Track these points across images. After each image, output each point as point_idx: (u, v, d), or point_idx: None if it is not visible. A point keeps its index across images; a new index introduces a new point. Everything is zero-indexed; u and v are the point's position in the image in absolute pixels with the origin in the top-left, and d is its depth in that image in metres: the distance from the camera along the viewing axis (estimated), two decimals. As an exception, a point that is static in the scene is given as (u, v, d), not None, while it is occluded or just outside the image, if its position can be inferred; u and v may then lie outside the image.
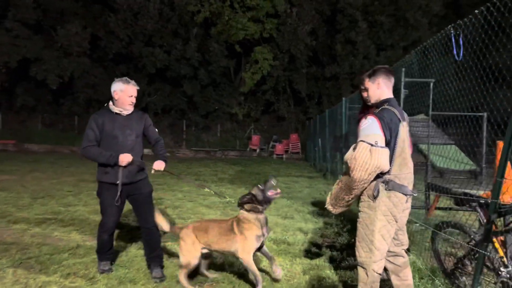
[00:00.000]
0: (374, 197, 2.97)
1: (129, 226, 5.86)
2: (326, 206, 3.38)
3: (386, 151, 2.86)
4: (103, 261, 3.98)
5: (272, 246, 5.00)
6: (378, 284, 3.06)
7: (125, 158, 3.71)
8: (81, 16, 27.67)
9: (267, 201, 3.60)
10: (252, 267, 3.47)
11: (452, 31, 3.35)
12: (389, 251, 3.11)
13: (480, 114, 6.03)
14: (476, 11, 3.23)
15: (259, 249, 3.63)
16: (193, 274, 3.94)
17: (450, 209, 5.75)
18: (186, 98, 28.71)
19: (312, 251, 4.89)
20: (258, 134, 27.42)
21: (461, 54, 3.30)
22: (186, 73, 27.60)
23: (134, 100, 3.89)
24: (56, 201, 7.68)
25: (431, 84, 6.36)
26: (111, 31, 27.19)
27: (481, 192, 3.94)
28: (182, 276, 3.63)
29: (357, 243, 3.12)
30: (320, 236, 5.66)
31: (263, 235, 3.57)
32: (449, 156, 6.22)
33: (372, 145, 2.82)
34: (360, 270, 3.10)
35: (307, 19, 25.32)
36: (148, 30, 27.02)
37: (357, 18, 23.02)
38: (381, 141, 2.84)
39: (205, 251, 3.73)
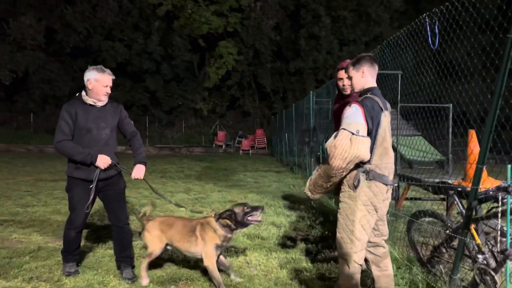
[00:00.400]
0: (355, 187, 2.91)
1: (94, 225, 5.58)
2: (304, 191, 3.34)
3: (367, 141, 2.81)
4: (69, 262, 3.71)
5: (246, 241, 4.89)
6: (359, 275, 3.02)
7: (103, 160, 3.48)
8: (35, 7, 26.35)
9: (243, 224, 3.55)
10: (215, 273, 3.44)
11: (427, 20, 3.34)
12: (369, 242, 3.07)
13: (446, 105, 6.18)
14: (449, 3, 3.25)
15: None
16: (171, 271, 3.78)
17: (419, 199, 5.86)
18: (149, 94, 28.03)
19: (287, 245, 4.81)
20: (223, 130, 27.19)
21: (437, 43, 3.29)
22: (148, 67, 26.94)
23: (109, 91, 3.62)
24: (13, 201, 7.23)
25: (399, 76, 6.45)
26: (68, 23, 26.09)
27: (452, 181, 4.00)
28: (144, 264, 3.61)
29: (337, 234, 3.05)
30: (293, 229, 5.61)
31: (221, 246, 3.56)
32: (416, 147, 6.33)
33: (353, 133, 2.77)
34: (341, 261, 3.05)
35: (271, 13, 25.31)
36: (108, 23, 26.14)
37: (321, 13, 23.23)
38: (363, 130, 2.79)
39: (169, 247, 3.73)
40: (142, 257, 3.79)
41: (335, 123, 4.33)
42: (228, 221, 3.49)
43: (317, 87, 17.93)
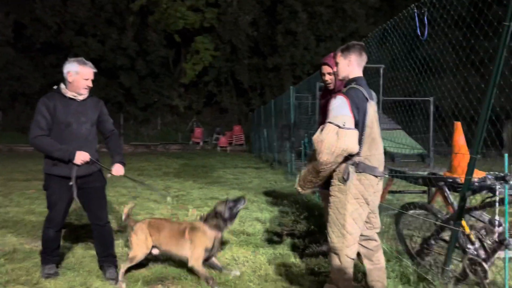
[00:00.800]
0: (345, 180, 2.85)
1: (72, 225, 5.35)
2: (295, 186, 3.32)
3: (354, 133, 2.74)
4: (48, 264, 3.51)
5: (232, 238, 4.79)
6: (352, 270, 2.97)
7: (82, 157, 3.31)
8: (3, 1, 25.33)
9: (232, 217, 3.54)
10: (201, 271, 3.42)
11: (416, 10, 3.31)
12: (361, 235, 3.02)
13: (427, 98, 6.23)
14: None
15: (207, 260, 3.57)
16: (156, 270, 3.64)
17: (402, 192, 5.90)
18: (123, 90, 27.45)
19: (273, 240, 4.74)
20: (200, 126, 26.93)
21: (426, 34, 3.26)
22: (123, 63, 26.35)
23: (90, 84, 3.46)
24: (-17, 202, 6.89)
25: (381, 70, 6.48)
26: (38, 18, 25.24)
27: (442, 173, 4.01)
28: (123, 268, 3.47)
29: (328, 228, 3.00)
30: (278, 225, 5.54)
31: (212, 249, 3.53)
32: (397, 140, 6.36)
33: (339, 126, 2.70)
34: (332, 255, 2.99)
35: (248, 9, 25.19)
36: (80, 18, 25.42)
37: (297, 9, 23.28)
38: (350, 122, 2.72)
39: (155, 251, 3.66)
40: (122, 262, 3.66)
41: (323, 118, 4.30)
42: (216, 222, 3.47)
43: (295, 83, 17.97)
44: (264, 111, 17.01)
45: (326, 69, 3.78)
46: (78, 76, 3.37)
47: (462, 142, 3.85)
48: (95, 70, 3.50)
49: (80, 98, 3.44)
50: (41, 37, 25.69)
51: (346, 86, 2.97)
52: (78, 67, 3.37)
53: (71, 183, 3.34)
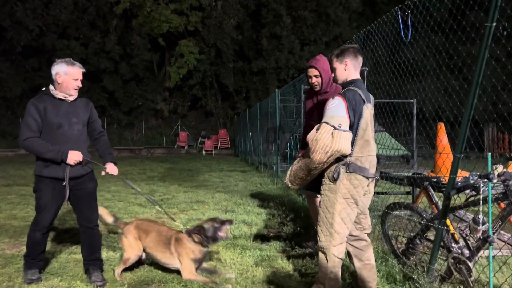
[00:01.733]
0: (335, 180, 2.88)
1: (56, 229, 5.24)
2: (285, 181, 3.37)
3: (349, 135, 2.78)
4: (31, 269, 3.43)
5: (219, 241, 4.76)
6: (339, 269, 2.98)
7: (74, 156, 3.27)
8: (-18, 4, 24.88)
9: (214, 239, 3.54)
10: (201, 279, 3.42)
11: (399, 13, 3.36)
12: (351, 235, 3.04)
13: (410, 100, 6.32)
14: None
15: (197, 268, 3.57)
16: (142, 274, 3.59)
17: (385, 193, 5.95)
18: (107, 94, 27.15)
19: (260, 243, 4.73)
20: (185, 130, 26.80)
21: (409, 36, 3.31)
22: (106, 67, 26.07)
23: (79, 84, 3.42)
24: (-38, 208, 6.71)
25: (365, 72, 6.54)
26: (19, 21, 24.81)
27: (426, 173, 4.07)
28: (118, 270, 3.54)
29: (318, 227, 3.02)
30: (264, 227, 5.53)
31: (200, 259, 3.54)
32: (382, 142, 6.43)
33: (335, 128, 2.73)
34: (320, 254, 3.01)
35: (232, 12, 25.22)
36: (62, 21, 25.08)
37: (281, 13, 23.40)
38: (345, 123, 2.76)
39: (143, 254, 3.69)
40: (113, 267, 3.61)
41: (307, 119, 4.37)
42: (199, 237, 3.48)
43: (280, 87, 18.02)
44: (250, 115, 17.03)
45: (313, 71, 3.89)
46: (67, 76, 3.33)
47: (446, 142, 3.92)
48: (83, 70, 3.46)
49: (70, 99, 3.40)
50: (22, 40, 25.25)
51: (344, 88, 3.00)
52: (66, 68, 3.32)
53: (64, 183, 3.29)
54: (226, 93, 27.96)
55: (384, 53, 4.38)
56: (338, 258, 2.94)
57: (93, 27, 26.46)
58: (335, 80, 3.02)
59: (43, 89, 3.42)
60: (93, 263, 3.52)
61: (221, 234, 3.52)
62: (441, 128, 3.90)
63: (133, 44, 25.91)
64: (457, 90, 3.09)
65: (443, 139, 3.83)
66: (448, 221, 3.16)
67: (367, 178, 2.89)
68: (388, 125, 5.92)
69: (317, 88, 4.00)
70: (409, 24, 3.30)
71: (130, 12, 25.87)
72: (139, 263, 3.86)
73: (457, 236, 3.18)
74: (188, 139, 25.58)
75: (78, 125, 3.42)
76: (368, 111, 2.89)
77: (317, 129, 2.79)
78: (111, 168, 3.57)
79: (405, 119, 6.53)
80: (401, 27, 3.35)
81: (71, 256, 4.12)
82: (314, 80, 3.93)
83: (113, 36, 25.83)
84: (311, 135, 2.82)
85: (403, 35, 3.36)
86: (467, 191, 2.95)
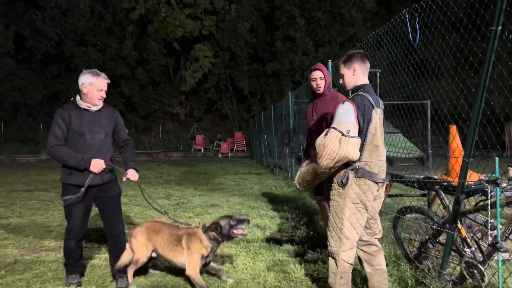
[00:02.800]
0: (343, 185, 2.89)
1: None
2: (294, 182, 3.44)
3: (356, 141, 2.78)
4: (72, 274, 3.57)
5: (232, 245, 4.80)
6: (349, 274, 2.98)
7: (97, 165, 3.38)
8: (3, 13, 25.59)
9: (229, 237, 3.55)
10: (198, 280, 3.42)
11: (407, 16, 3.35)
12: (361, 240, 3.04)
13: (424, 102, 6.26)
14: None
15: (204, 266, 3.59)
16: (155, 280, 3.66)
17: (401, 196, 5.90)
18: (124, 99, 27.58)
19: (272, 247, 4.75)
20: (201, 133, 27.00)
21: (418, 38, 3.30)
22: (123, 72, 26.50)
23: (104, 95, 3.54)
24: (-15, 214, 6.92)
25: (378, 74, 6.51)
26: (38, 29, 25.46)
27: (437, 176, 4.03)
28: (130, 272, 3.56)
29: (328, 232, 3.04)
30: (278, 231, 5.55)
31: (208, 257, 3.54)
32: (396, 144, 6.37)
33: (342, 134, 2.74)
34: (330, 259, 3.02)
35: (246, 16, 25.33)
36: (80, 28, 25.61)
37: (295, 15, 23.37)
38: (354, 130, 2.76)
39: (153, 254, 3.68)
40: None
41: (308, 124, 4.56)
42: (214, 234, 3.48)
43: (294, 88, 18.01)
44: (264, 117, 17.05)
45: (318, 73, 4.12)
46: (92, 87, 3.44)
47: (456, 145, 3.88)
48: (108, 81, 3.58)
49: (94, 108, 3.51)
50: (42, 48, 25.89)
51: (353, 93, 3.01)
52: (92, 79, 3.44)
53: (82, 189, 3.39)
54: (241, 96, 28.06)
55: (399, 52, 4.35)
56: (348, 263, 2.95)
57: (109, 34, 26.92)
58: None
59: (71, 99, 3.54)
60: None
61: (236, 231, 3.49)
62: (453, 131, 3.85)
63: (149, 49, 26.25)
64: (474, 91, 3.06)
65: (454, 142, 3.78)
66: (459, 225, 3.13)
67: (377, 183, 2.89)
68: (403, 127, 5.88)
69: (321, 90, 4.19)
70: (417, 27, 3.28)
71: (145, 18, 26.24)
72: (154, 267, 3.94)
73: (469, 240, 3.14)
74: (204, 142, 25.76)
75: (100, 134, 3.51)
76: (377, 116, 2.88)
77: (325, 134, 2.80)
78: (132, 174, 3.64)
79: (419, 120, 6.46)
80: (409, 30, 3.33)
81: (88, 261, 4.22)
82: (319, 82, 4.12)
83: (129, 42, 26.22)
84: (318, 140, 2.84)
85: (411, 38, 3.35)
86: (478, 195, 2.91)
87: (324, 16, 23.25)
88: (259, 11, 26.08)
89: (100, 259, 4.33)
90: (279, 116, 13.27)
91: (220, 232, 3.47)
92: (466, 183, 2.89)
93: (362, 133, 2.82)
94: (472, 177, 3.76)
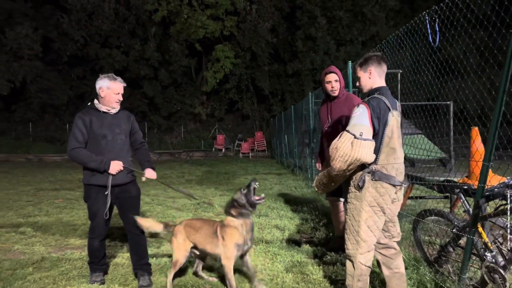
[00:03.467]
0: (360, 187, 2.90)
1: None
2: (313, 184, 3.47)
3: (370, 144, 2.78)
4: (96, 272, 3.70)
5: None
6: (366, 277, 2.98)
7: (116, 166, 3.50)
8: (31, 17, 26.41)
9: (251, 204, 3.47)
10: (230, 274, 3.39)
11: (427, 17, 3.32)
12: (379, 243, 3.04)
13: (447, 102, 6.16)
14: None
15: (241, 256, 3.54)
16: (175, 280, 3.74)
17: (423, 198, 5.83)
18: (147, 100, 28.03)
19: (291, 248, 4.77)
20: (222, 133, 27.18)
21: (437, 40, 3.27)
22: (146, 73, 26.95)
23: (121, 98, 3.67)
24: (15, 212, 7.18)
25: (399, 75, 6.43)
26: (65, 32, 26.16)
27: (457, 179, 3.98)
28: (170, 276, 3.54)
29: (345, 235, 3.05)
30: (297, 232, 5.57)
31: (246, 244, 3.46)
32: (418, 145, 6.29)
33: (355, 136, 2.75)
34: (348, 262, 3.03)
35: (267, 16, 25.35)
36: (104, 30, 26.17)
37: (316, 14, 23.25)
38: (367, 132, 2.76)
39: (194, 250, 3.68)
40: (164, 270, 3.76)
41: (322, 123, 4.63)
42: (235, 210, 3.45)
43: (315, 88, 17.93)
44: (285, 117, 17.05)
45: (333, 76, 4.21)
46: (110, 91, 3.57)
47: (481, 148, 3.81)
48: (124, 85, 3.70)
49: (113, 111, 3.65)
50: (68, 50, 26.58)
51: (369, 95, 3.02)
52: (109, 83, 3.57)
53: (106, 192, 3.51)
54: (262, 95, 28.11)
55: (422, 52, 4.30)
56: (365, 266, 2.95)
57: (133, 36, 27.41)
58: (360, 89, 3.07)
59: (89, 103, 3.68)
60: (141, 267, 3.71)
61: (255, 198, 3.44)
62: (475, 133, 3.79)
63: (171, 50, 26.59)
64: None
65: (476, 144, 3.72)
66: (480, 229, 3.09)
67: (394, 185, 2.88)
68: (426, 128, 5.80)
69: (336, 93, 4.26)
70: (437, 28, 3.25)
71: (168, 20, 26.59)
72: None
73: (490, 244, 3.09)
74: (225, 142, 25.93)
75: (121, 136, 3.65)
76: (393, 118, 2.87)
77: (339, 137, 2.82)
78: (150, 173, 3.76)
79: (443, 121, 6.35)
80: (429, 32, 3.31)
81: (111, 260, 4.34)
82: (334, 84, 4.20)
83: (152, 43, 26.63)
84: (332, 143, 2.86)
85: (431, 40, 3.32)
86: (498, 199, 2.87)
87: (345, 15, 23.05)
88: (280, 11, 26.06)
89: (123, 257, 4.44)
90: (299, 116, 13.25)
91: (239, 205, 3.44)
92: (486, 187, 2.85)
93: (378, 135, 2.82)
94: (493, 180, 3.70)
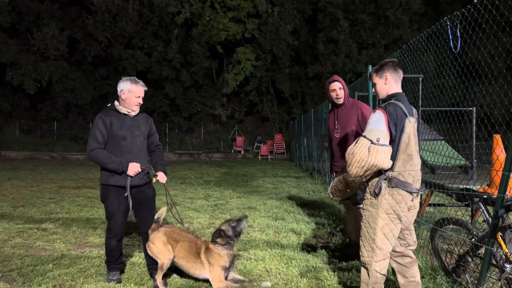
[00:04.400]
0: (376, 194, 2.87)
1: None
2: (328, 191, 3.46)
3: (387, 150, 2.75)
4: (112, 271, 3.78)
5: (266, 249, 4.85)
6: (381, 285, 2.95)
7: (134, 168, 3.58)
8: (58, 18, 27.07)
9: (236, 236, 3.70)
10: (229, 286, 3.52)
11: (448, 23, 3.26)
12: (394, 251, 3.00)
13: (469, 108, 6.03)
14: (468, 6, 3.16)
15: (225, 278, 3.65)
16: (174, 282, 3.77)
17: (442, 205, 5.72)
18: (168, 101, 28.36)
19: (307, 253, 4.76)
20: (242, 135, 27.26)
21: (459, 46, 3.21)
22: (168, 75, 27.27)
23: (141, 101, 3.74)
24: (38, 209, 7.38)
25: (420, 80, 6.34)
26: (90, 33, 26.71)
27: (476, 187, 3.89)
28: (159, 278, 3.61)
29: (360, 242, 3.02)
30: (313, 237, 5.54)
31: (229, 267, 3.64)
32: (439, 152, 6.18)
33: (372, 142, 2.73)
34: (362, 269, 3.01)
35: (289, 18, 25.31)
36: (128, 32, 26.60)
37: (338, 17, 23.09)
38: (384, 138, 2.74)
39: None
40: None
41: (330, 134, 4.74)
42: (221, 240, 3.62)
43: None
44: (304, 120, 16.99)
45: (337, 85, 4.36)
46: (131, 94, 3.63)
47: (502, 156, 3.72)
48: (145, 88, 3.75)
49: (133, 114, 3.72)
50: (93, 51, 27.12)
51: (385, 101, 3.00)
52: (131, 86, 3.63)
53: (126, 194, 3.58)
54: (282, 98, 28.07)
55: (443, 57, 4.23)
56: (380, 274, 2.92)
57: (156, 37, 27.78)
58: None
59: (109, 104, 3.75)
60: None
61: (239, 229, 3.69)
62: (497, 140, 3.70)
63: (193, 52, 26.83)
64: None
65: (499, 153, 3.63)
66: (500, 240, 3.02)
67: (411, 193, 2.84)
68: (448, 134, 5.69)
69: (341, 100, 4.39)
70: (458, 34, 3.20)
71: (190, 22, 26.86)
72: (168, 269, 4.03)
73: (510, 255, 3.02)
74: (244, 144, 26.00)
75: (140, 138, 3.72)
76: (410, 125, 2.85)
77: (356, 143, 2.80)
78: (161, 176, 3.81)
79: (463, 130, 6.21)
80: (450, 37, 3.25)
81: (127, 259, 4.41)
82: (338, 92, 4.33)
83: (174, 45, 26.93)
84: (348, 149, 2.84)
85: (452, 46, 3.26)
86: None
87: (368, 18, 22.81)
88: (301, 14, 25.99)
89: (140, 257, 4.51)
90: (319, 119, 13.19)
91: (226, 236, 3.62)
92: (507, 197, 2.78)
93: (395, 142, 2.79)
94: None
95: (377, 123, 2.76)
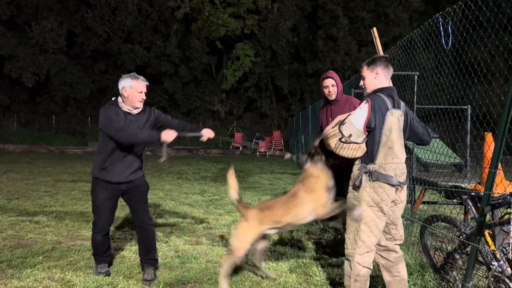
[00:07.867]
0: (357, 187, 2.89)
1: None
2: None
3: (355, 146, 2.85)
4: (100, 264, 3.78)
5: (257, 244, 4.85)
6: (365, 279, 2.94)
7: (169, 135, 3.46)
8: (57, 12, 26.98)
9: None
10: (334, 206, 3.16)
11: (440, 20, 3.25)
12: (380, 245, 3.01)
13: (464, 107, 6.02)
14: (459, 3, 3.15)
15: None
16: (179, 274, 3.78)
17: (436, 203, 5.72)
18: (167, 96, 28.33)
19: (298, 249, 4.76)
20: (240, 131, 27.25)
21: (450, 43, 3.20)
22: (167, 70, 27.24)
23: (144, 97, 3.64)
24: (32, 202, 7.37)
25: (415, 77, 6.32)
26: (88, 27, 26.64)
27: (466, 185, 3.90)
28: (227, 265, 3.38)
29: (345, 234, 3.05)
30: (305, 233, 5.55)
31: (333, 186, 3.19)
32: (433, 149, 6.18)
33: (340, 139, 2.84)
34: (345, 262, 3.03)
35: (288, 15, 25.27)
36: (127, 26, 26.55)
37: (338, 14, 23.05)
38: (357, 135, 2.82)
39: (273, 231, 3.47)
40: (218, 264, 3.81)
41: (321, 129, 4.68)
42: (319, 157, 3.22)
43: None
44: (302, 117, 16.99)
45: (330, 81, 4.33)
46: (132, 90, 3.55)
47: (488, 153, 3.72)
48: (147, 83, 3.68)
49: (135, 112, 3.61)
50: (91, 45, 27.06)
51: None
52: (131, 82, 3.56)
53: (162, 159, 3.77)
54: (281, 95, 28.07)
55: (442, 53, 4.22)
56: (363, 266, 2.91)
57: (155, 32, 27.73)
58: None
59: (113, 99, 3.69)
60: (148, 261, 3.76)
61: None
62: (488, 138, 3.70)
63: (192, 47, 26.81)
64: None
65: (489, 150, 3.63)
66: (488, 237, 3.02)
67: (393, 186, 2.85)
68: (445, 132, 5.69)
69: (333, 97, 4.37)
70: (450, 32, 3.19)
71: (190, 17, 26.81)
72: (176, 261, 4.04)
73: (497, 253, 3.02)
74: (243, 140, 26.00)
75: None
76: (392, 117, 2.85)
77: (332, 127, 2.92)
78: (207, 133, 3.99)
79: (459, 128, 6.20)
80: (442, 34, 3.24)
81: (117, 252, 4.42)
82: (331, 89, 4.31)
83: (173, 40, 26.89)
84: (326, 129, 3.02)
85: (443, 43, 3.25)
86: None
87: (368, 16, 22.77)
88: (301, 10, 25.95)
89: (131, 250, 4.51)
90: (317, 116, 13.19)
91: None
92: (495, 194, 2.78)
93: (375, 134, 2.82)
94: (510, 188, 3.61)
95: (357, 117, 2.79)
